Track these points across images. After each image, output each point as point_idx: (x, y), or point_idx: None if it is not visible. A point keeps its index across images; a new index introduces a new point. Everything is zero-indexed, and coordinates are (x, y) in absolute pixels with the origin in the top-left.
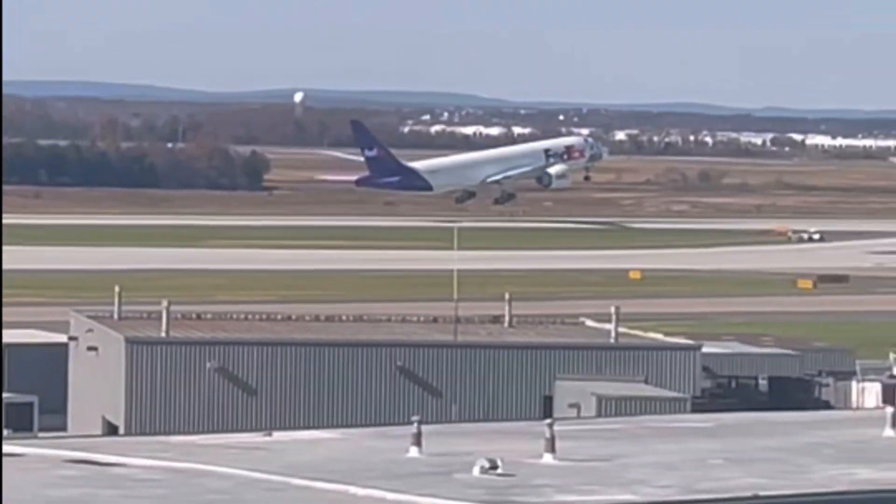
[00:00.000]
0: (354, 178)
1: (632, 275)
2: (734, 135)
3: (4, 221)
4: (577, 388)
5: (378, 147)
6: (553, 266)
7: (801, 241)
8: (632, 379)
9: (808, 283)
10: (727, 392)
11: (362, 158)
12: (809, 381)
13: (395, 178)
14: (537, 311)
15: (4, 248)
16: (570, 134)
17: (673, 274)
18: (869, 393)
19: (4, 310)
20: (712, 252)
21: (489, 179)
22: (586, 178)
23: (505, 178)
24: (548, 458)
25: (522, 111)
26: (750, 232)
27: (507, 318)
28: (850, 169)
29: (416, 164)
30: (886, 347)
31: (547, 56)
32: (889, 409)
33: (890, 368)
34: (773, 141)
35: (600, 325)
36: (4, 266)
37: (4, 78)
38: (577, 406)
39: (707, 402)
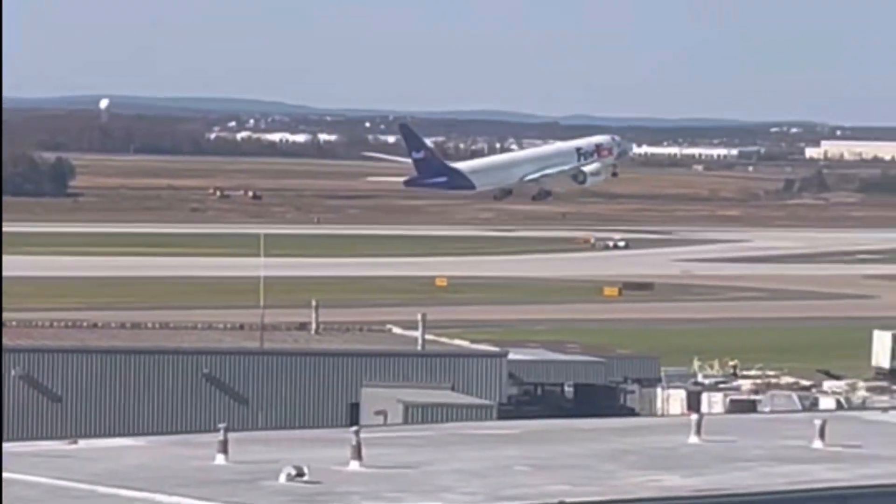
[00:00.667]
0: (402, 179)
1: (438, 282)
2: (540, 142)
3: None
4: (384, 395)
5: (425, 149)
6: (359, 273)
7: (605, 248)
8: (438, 386)
9: (613, 291)
10: (533, 399)
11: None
12: (615, 388)
13: (443, 179)
14: (344, 319)
15: None
16: (376, 141)
17: (479, 281)
18: (674, 400)
19: None
20: (518, 259)
21: (527, 178)
22: (614, 175)
23: (543, 176)
24: (354, 466)
25: (328, 118)
26: (555, 239)
27: (313, 326)
28: (655, 177)
29: (460, 165)
30: (691, 355)
31: (353, 63)
32: (693, 416)
33: (694, 375)
34: None
35: (407, 332)
36: None
37: None
38: (383, 413)
39: (513, 409)
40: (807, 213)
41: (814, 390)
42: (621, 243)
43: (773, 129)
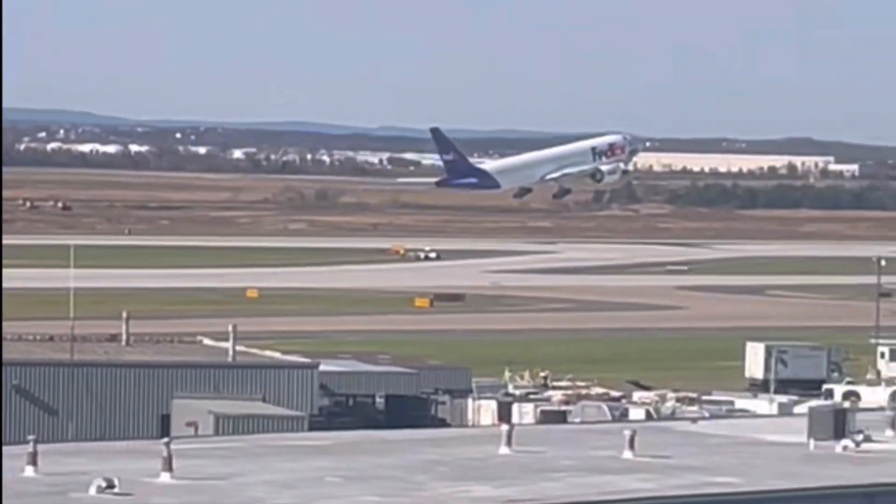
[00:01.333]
0: (435, 180)
1: (249, 293)
2: (351, 154)
3: None
4: (195, 406)
5: (454, 152)
6: (170, 284)
7: (417, 259)
8: (249, 397)
9: (424, 302)
10: (345, 410)
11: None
12: (426, 399)
13: (473, 180)
14: (155, 330)
15: None
16: (187, 151)
17: (290, 292)
18: (485, 410)
19: None
20: (329, 270)
21: (548, 177)
22: (625, 173)
23: (563, 175)
24: (165, 477)
25: (139, 129)
26: (367, 250)
27: (124, 337)
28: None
29: (485, 166)
30: (502, 365)
31: (163, 74)
32: (504, 427)
33: (505, 386)
34: (389, 160)
35: (218, 343)
36: None
37: None
38: (194, 424)
39: (325, 421)
40: (617, 224)
41: (624, 401)
42: (433, 254)
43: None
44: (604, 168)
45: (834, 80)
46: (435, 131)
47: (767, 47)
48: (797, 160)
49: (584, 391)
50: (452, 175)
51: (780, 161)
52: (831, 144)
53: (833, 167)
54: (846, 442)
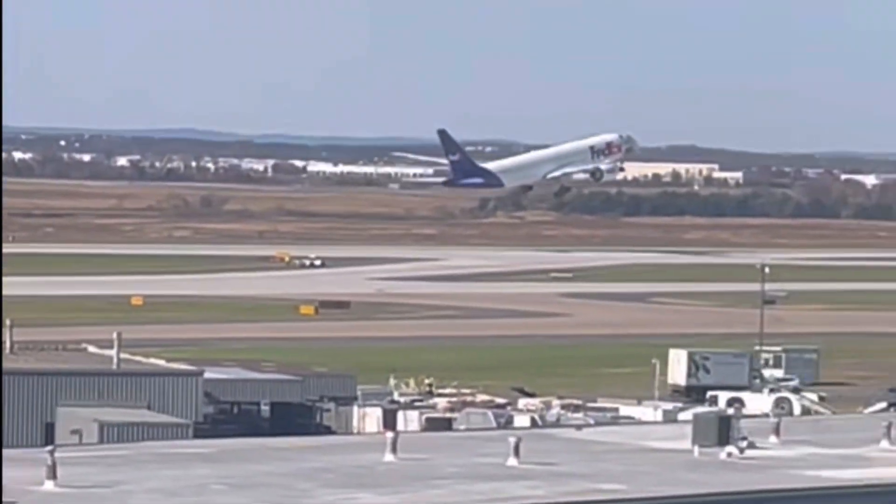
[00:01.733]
0: (441, 180)
1: (134, 301)
2: (236, 161)
3: None
4: (80, 414)
5: (460, 153)
6: (54, 292)
7: (302, 266)
8: (134, 405)
9: (309, 309)
10: (230, 417)
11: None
12: (311, 407)
13: (479, 180)
14: (39, 338)
15: None
16: (71, 159)
17: (175, 300)
18: (370, 418)
19: None
20: (214, 278)
21: (549, 176)
22: (621, 170)
23: (564, 174)
24: (49, 486)
25: (23, 136)
26: (252, 258)
27: (8, 344)
28: (350, 195)
29: (489, 165)
30: (387, 373)
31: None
32: (389, 434)
33: (390, 394)
34: (274, 167)
35: (102, 351)
36: None
37: None
38: (79, 432)
39: (210, 428)
40: (502, 231)
41: (509, 408)
42: (318, 262)
43: (468, 148)
44: (603, 167)
45: (717, 87)
46: (442, 133)
47: (650, 55)
48: (681, 167)
49: (469, 398)
50: (458, 175)
51: (664, 168)
52: (715, 152)
53: (717, 174)
54: (730, 448)
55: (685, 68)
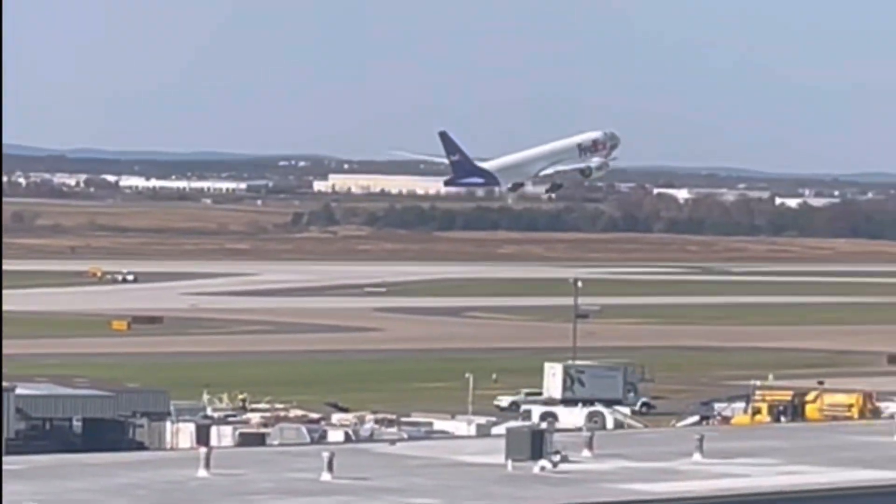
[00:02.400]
0: (443, 179)
1: None
2: (48, 176)
3: None
4: None
5: (460, 153)
6: None
7: (114, 282)
8: None
9: (122, 324)
10: (41, 434)
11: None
12: (124, 423)
13: (480, 179)
14: None
15: None
16: None
17: None
18: (183, 433)
19: None
20: (26, 293)
21: (542, 173)
22: (607, 168)
23: (556, 171)
24: None
25: None
26: (64, 273)
27: None
28: (163, 210)
29: (486, 165)
30: (200, 388)
31: None
32: (203, 449)
33: (204, 409)
34: (86, 182)
35: None
36: None
37: None
38: None
39: (21, 444)
40: (315, 246)
41: (323, 423)
42: (130, 277)
43: (282, 163)
44: (592, 164)
45: (518, 99)
46: (443, 135)
47: (447, 72)
48: None
49: (282, 413)
50: (458, 174)
51: None
52: None
53: (530, 189)
54: (544, 462)
55: (478, 85)
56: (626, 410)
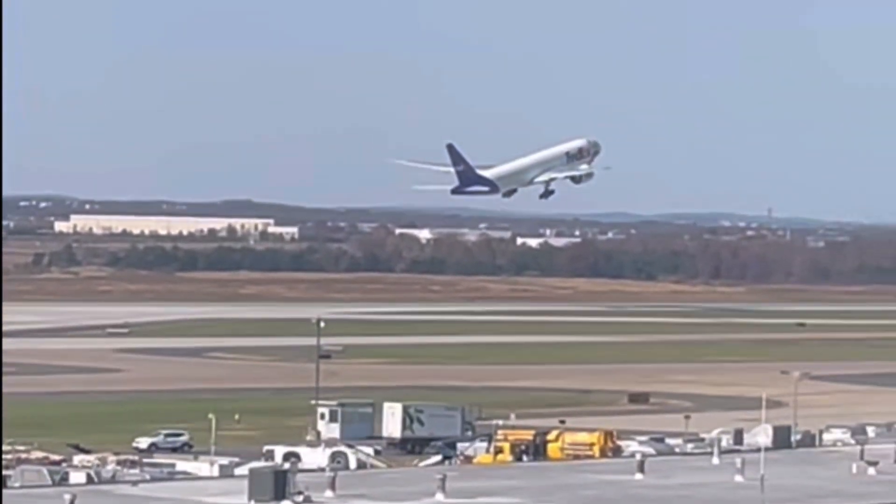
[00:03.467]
0: (450, 188)
1: None
2: None
3: None
4: None
5: (464, 164)
6: None
7: None
8: None
9: None
10: None
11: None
12: None
13: (485, 187)
14: None
15: None
16: None
17: None
18: None
19: None
20: None
21: (536, 180)
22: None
23: (550, 178)
24: None
25: None
26: None
27: None
28: None
29: (486, 173)
30: None
31: None
32: None
33: None
34: None
35: None
36: None
37: None
38: None
39: None
40: (57, 287)
41: (64, 465)
42: None
43: (23, 203)
44: (581, 171)
45: (270, 140)
46: (450, 147)
47: (202, 110)
48: (237, 222)
49: (23, 455)
50: (464, 183)
51: (219, 223)
52: (271, 206)
53: (273, 229)
54: (286, 503)
55: (238, 120)
56: (370, 450)
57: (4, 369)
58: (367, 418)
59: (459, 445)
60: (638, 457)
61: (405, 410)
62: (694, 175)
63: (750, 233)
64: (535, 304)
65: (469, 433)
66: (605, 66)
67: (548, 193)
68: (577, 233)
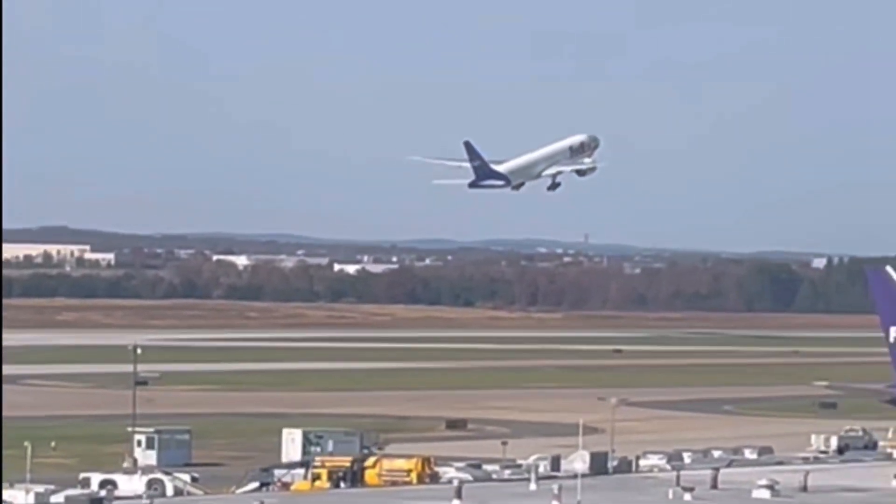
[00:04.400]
0: (467, 181)
1: None
2: None
3: None
4: None
5: (480, 159)
6: None
7: None
8: None
9: None
10: None
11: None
12: None
13: (500, 181)
14: None
15: None
16: None
17: None
18: None
19: None
20: None
21: (544, 174)
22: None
23: (557, 172)
24: None
25: None
26: None
27: None
28: None
29: (499, 168)
30: None
31: None
32: None
33: None
34: None
35: None
36: None
37: None
38: None
39: None
40: None
41: None
42: None
43: None
44: (585, 165)
45: (94, 168)
46: (467, 144)
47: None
48: (53, 248)
49: None
50: (479, 177)
51: (35, 250)
52: (87, 233)
53: (89, 255)
54: None
55: (53, 144)
56: (187, 477)
57: None
58: (184, 445)
59: (277, 472)
60: (455, 483)
61: (305, 436)
62: (511, 202)
63: (567, 259)
64: (352, 330)
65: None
66: None
67: (555, 186)
68: (394, 259)
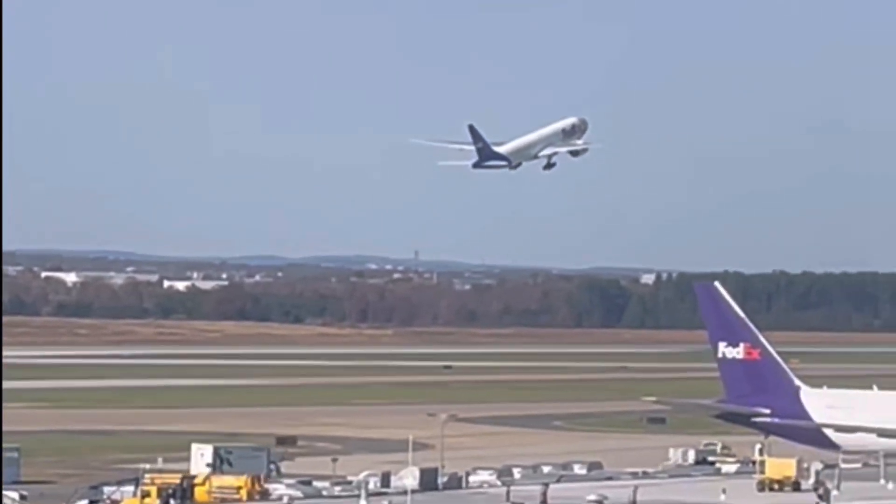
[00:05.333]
0: (471, 163)
1: None
2: None
3: None
4: None
5: (482, 142)
6: None
7: None
8: None
9: None
10: None
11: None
12: None
13: (502, 162)
14: None
15: None
16: None
17: None
18: None
19: None
20: None
21: (540, 154)
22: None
23: (553, 153)
24: None
25: None
26: None
27: None
28: None
29: (499, 149)
30: None
31: None
32: None
33: None
34: None
35: None
36: None
37: None
38: None
39: None
40: None
41: None
42: None
43: None
44: (578, 146)
45: None
46: (471, 127)
47: None
48: None
49: None
50: (483, 158)
51: None
52: None
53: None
54: None
55: None
56: (15, 495)
57: None
58: (13, 463)
59: (106, 489)
60: (285, 500)
61: (216, 451)
62: (341, 218)
63: (397, 275)
64: (182, 347)
65: (274, 473)
66: None
67: (550, 166)
68: (224, 276)
